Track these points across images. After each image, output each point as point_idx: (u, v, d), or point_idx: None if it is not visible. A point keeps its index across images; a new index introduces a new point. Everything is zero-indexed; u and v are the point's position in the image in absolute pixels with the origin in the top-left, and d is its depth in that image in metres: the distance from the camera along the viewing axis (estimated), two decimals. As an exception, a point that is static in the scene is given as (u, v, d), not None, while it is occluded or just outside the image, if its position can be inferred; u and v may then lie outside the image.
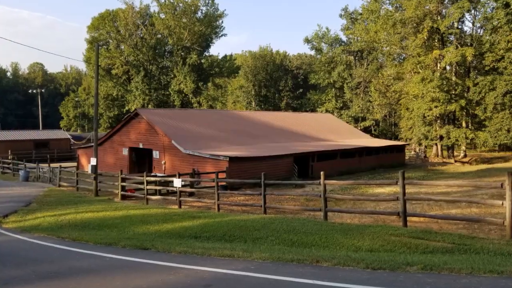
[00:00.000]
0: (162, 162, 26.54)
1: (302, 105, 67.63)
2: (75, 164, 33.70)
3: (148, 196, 17.72)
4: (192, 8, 54.26)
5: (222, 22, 58.91)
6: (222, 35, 59.43)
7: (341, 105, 59.70)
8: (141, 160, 30.09)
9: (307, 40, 61.51)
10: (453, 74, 41.43)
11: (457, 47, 38.92)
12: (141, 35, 57.19)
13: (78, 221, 12.76)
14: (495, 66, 38.27)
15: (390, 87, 47.91)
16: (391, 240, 8.16)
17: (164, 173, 25.12)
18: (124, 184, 19.43)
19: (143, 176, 18.08)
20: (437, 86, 37.86)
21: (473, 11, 41.44)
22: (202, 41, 56.08)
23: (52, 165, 30.63)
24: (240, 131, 31.58)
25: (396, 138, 54.61)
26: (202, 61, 55.84)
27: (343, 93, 59.24)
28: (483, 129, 40.28)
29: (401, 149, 37.91)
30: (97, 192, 20.44)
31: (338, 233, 8.96)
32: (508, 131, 37.05)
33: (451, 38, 42.47)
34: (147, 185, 17.71)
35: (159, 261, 6.69)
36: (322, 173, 11.41)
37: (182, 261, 6.64)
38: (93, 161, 20.73)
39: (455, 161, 40.65)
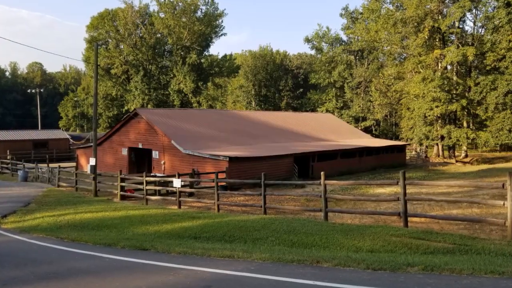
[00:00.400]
0: (162, 162, 26.49)
1: (303, 105, 67.60)
2: (74, 164, 33.58)
3: (148, 197, 17.68)
4: (192, 8, 54.23)
5: (222, 21, 58.97)
6: (221, 35, 59.50)
7: (341, 105, 59.66)
8: (140, 160, 30.05)
9: (307, 40, 61.51)
10: (454, 73, 41.38)
11: (458, 47, 38.86)
12: (141, 34, 57.15)
13: (77, 222, 12.73)
14: (497, 66, 38.23)
15: (391, 87, 47.87)
16: (392, 240, 8.13)
17: (164, 173, 25.07)
18: (123, 184, 19.37)
19: (142, 176, 18.03)
20: (438, 86, 37.84)
21: (474, 11, 41.39)
22: (202, 40, 56.04)
23: (51, 165, 30.49)
24: (240, 131, 31.53)
25: (396, 138, 54.58)
26: (202, 60, 55.80)
27: (343, 93, 59.21)
28: (484, 129, 40.24)
29: (401, 149, 37.85)
30: (96, 192, 20.37)
31: (339, 233, 8.93)
32: (510, 131, 36.97)
33: (452, 38, 42.43)
34: (146, 185, 17.66)
35: (159, 261, 6.66)
36: (322, 173, 11.36)
37: (181, 261, 6.61)
38: (92, 161, 20.67)
39: (456, 161, 40.59)
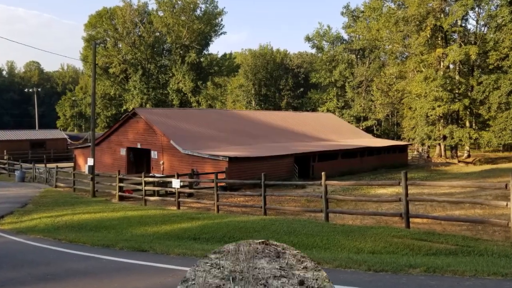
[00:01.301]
0: (161, 163, 26.39)
1: (303, 105, 67.51)
2: (72, 164, 33.31)
3: (146, 197, 17.60)
4: (191, 6, 54.16)
5: (221, 20, 58.97)
6: (221, 33, 59.50)
7: (342, 104, 59.57)
8: (139, 160, 29.94)
9: (308, 39, 61.46)
10: (457, 73, 41.28)
11: (460, 46, 38.74)
12: (139, 33, 57.09)
13: (75, 223, 12.66)
14: (500, 65, 38.15)
15: (393, 86, 47.77)
16: (393, 241, 8.08)
17: (163, 174, 24.95)
18: (121, 184, 19.29)
19: (141, 177, 17.96)
20: (440, 85, 37.73)
21: (477, 9, 41.31)
22: (201, 39, 55.98)
23: (49, 165, 30.14)
24: (240, 131, 31.44)
25: (398, 138, 54.53)
26: (201, 59, 55.74)
27: (344, 92, 59.12)
28: (487, 129, 40.11)
29: (403, 149, 37.69)
30: (94, 193, 20.26)
31: (340, 234, 8.86)
32: (513, 130, 36.84)
33: (454, 36, 42.35)
34: (145, 186, 17.60)
35: (158, 263, 6.62)
36: (323, 173, 11.27)
37: (181, 263, 6.56)
38: (90, 161, 20.55)
39: (459, 162, 40.45)
